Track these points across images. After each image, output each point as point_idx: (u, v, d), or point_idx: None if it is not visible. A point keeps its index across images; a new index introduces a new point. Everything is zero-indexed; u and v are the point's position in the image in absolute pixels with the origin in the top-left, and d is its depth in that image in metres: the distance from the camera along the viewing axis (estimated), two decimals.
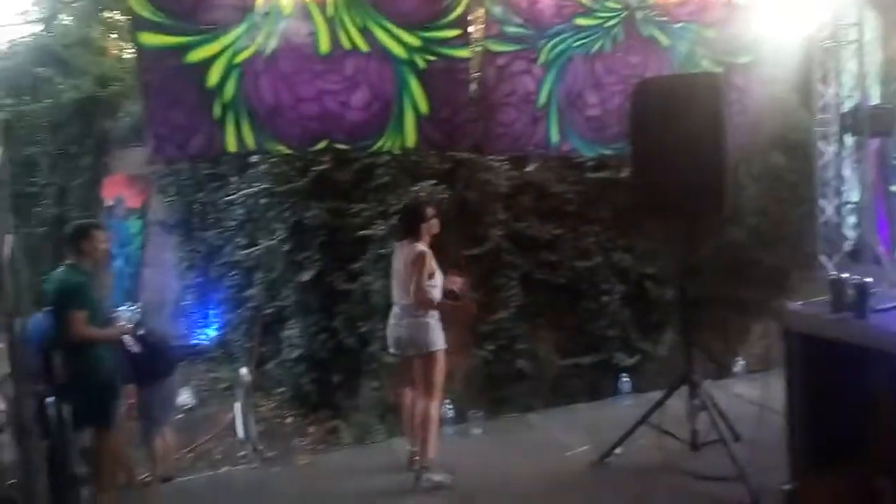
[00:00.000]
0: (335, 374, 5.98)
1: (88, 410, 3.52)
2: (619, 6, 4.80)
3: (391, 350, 3.97)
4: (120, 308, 4.23)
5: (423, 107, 4.10)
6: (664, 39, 5.03)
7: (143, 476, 4.38)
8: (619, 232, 5.62)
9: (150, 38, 3.37)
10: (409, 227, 3.85)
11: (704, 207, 3.64)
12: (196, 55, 3.42)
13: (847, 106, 5.39)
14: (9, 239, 2.89)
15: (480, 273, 5.27)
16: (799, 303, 3.22)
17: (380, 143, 4.08)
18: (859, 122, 5.31)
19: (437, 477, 3.70)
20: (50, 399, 3.34)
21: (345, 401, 5.93)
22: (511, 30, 4.40)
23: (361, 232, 5.51)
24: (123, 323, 3.98)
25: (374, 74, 3.93)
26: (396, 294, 3.84)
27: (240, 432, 5.36)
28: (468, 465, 3.94)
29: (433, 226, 3.86)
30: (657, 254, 5.53)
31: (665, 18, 5.00)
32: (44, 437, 3.12)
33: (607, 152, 4.93)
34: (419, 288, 3.64)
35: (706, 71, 4.64)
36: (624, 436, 3.85)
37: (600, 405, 4.98)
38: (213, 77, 3.47)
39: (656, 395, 3.99)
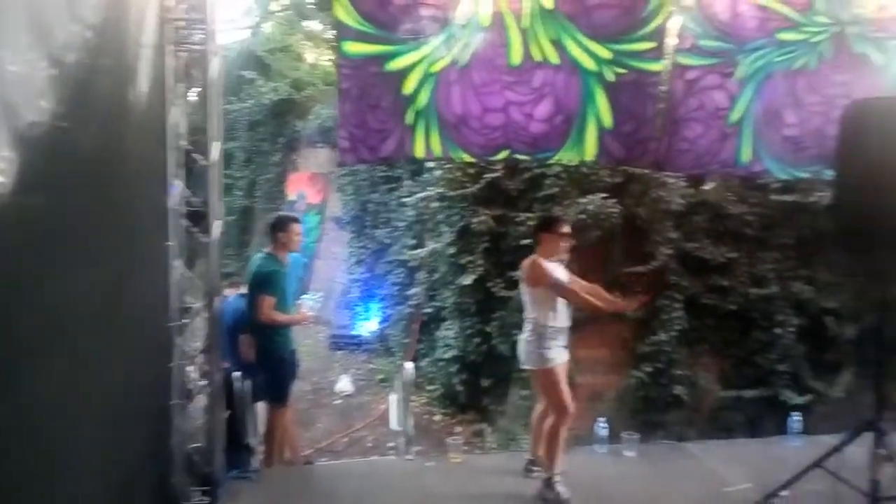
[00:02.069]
0: (485, 378, 6.09)
1: (267, 388, 3.86)
2: (829, 21, 4.53)
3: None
4: (303, 296, 4.56)
5: (607, 120, 4.09)
6: (879, 57, 4.67)
7: (307, 453, 4.68)
8: (801, 261, 5.25)
9: (354, 47, 3.63)
10: (535, 238, 3.81)
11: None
12: (396, 64, 3.65)
13: None
14: (218, 224, 3.26)
15: (644, 292, 5.16)
16: None
17: (559, 155, 4.12)
18: None
19: (559, 490, 3.64)
20: (235, 374, 3.69)
21: (492, 405, 6.02)
22: (707, 43, 4.28)
23: (525, 241, 5.57)
24: (306, 311, 4.23)
25: (560, 87, 3.97)
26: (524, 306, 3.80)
27: (394, 423, 5.59)
28: (620, 487, 3.86)
29: (559, 241, 3.74)
30: (841, 288, 5.11)
31: (882, 35, 4.64)
32: (227, 408, 3.43)
33: (802, 175, 4.64)
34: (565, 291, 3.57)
35: None
36: (794, 478, 3.59)
37: (764, 442, 4.66)
38: (410, 85, 3.68)
39: (828, 438, 3.68)
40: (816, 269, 5.21)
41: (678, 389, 5.20)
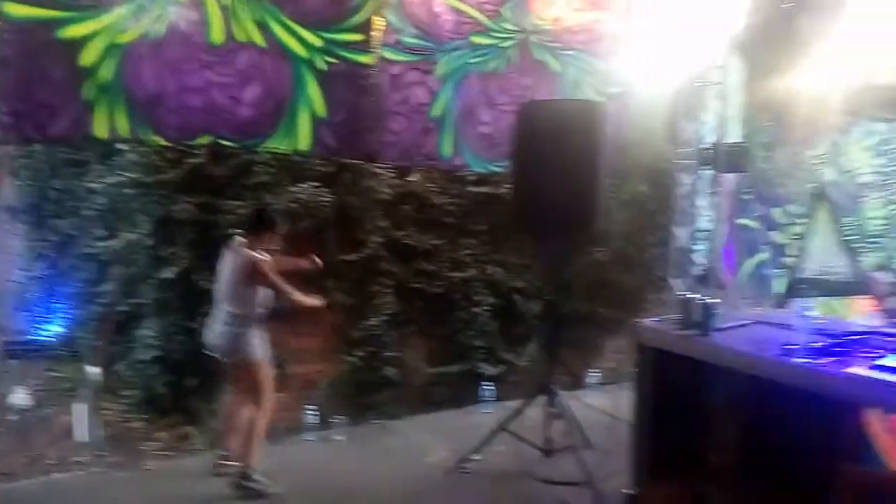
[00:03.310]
0: (191, 378, 5.70)
1: None
2: (515, 28, 4.97)
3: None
4: None
5: (321, 109, 4.05)
6: (555, 65, 5.27)
7: None
8: (494, 246, 5.80)
9: (19, 9, 3.12)
10: (249, 232, 3.74)
11: (576, 227, 3.85)
12: (71, 31, 3.20)
13: (707, 142, 5.89)
14: None
15: (356, 279, 5.27)
16: (650, 319, 3.48)
17: (270, 143, 3.98)
18: (717, 157, 5.81)
19: (257, 485, 3.62)
20: None
21: (199, 405, 5.67)
22: (408, 40, 4.44)
23: (234, 231, 5.32)
24: None
25: (269, 71, 3.83)
26: (220, 297, 3.70)
27: (80, 435, 4.99)
28: (327, 469, 3.92)
29: (274, 237, 3.73)
30: (527, 269, 5.76)
31: (557, 45, 5.24)
32: None
33: (495, 169, 5.08)
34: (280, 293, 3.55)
35: (588, 98, 4.91)
36: (482, 442, 3.98)
37: (463, 413, 5.10)
38: (89, 57, 3.25)
39: (516, 403, 4.15)
40: (507, 254, 5.79)
41: (389, 371, 5.40)
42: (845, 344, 2.89)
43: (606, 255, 6.13)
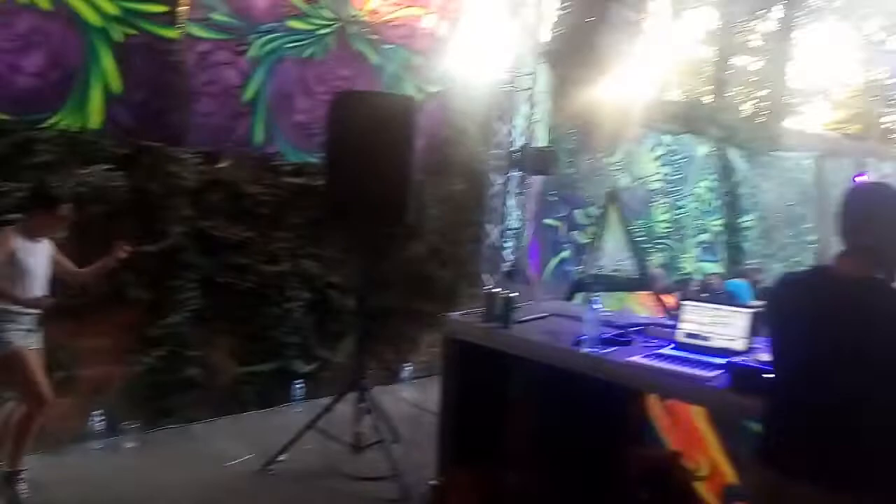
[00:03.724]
0: None
1: None
2: (333, 16, 4.87)
3: None
4: None
5: (116, 85, 3.68)
6: (374, 57, 5.23)
7: None
8: (309, 240, 5.64)
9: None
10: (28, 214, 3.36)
11: (386, 221, 3.84)
12: None
13: (517, 145, 6.20)
14: None
15: (155, 272, 4.86)
16: (458, 313, 3.56)
17: (57, 119, 3.56)
18: (525, 160, 6.13)
19: (19, 489, 3.28)
20: None
21: None
22: (219, 17, 4.19)
23: (12, 216, 4.70)
24: None
25: (56, 38, 3.41)
26: None
27: None
28: (115, 479, 3.58)
29: (54, 221, 3.36)
30: (342, 263, 5.68)
31: (377, 37, 5.21)
32: None
33: (311, 159, 4.94)
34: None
35: (400, 93, 4.93)
36: (289, 442, 3.85)
37: (271, 413, 4.92)
38: None
39: (326, 400, 4.07)
40: (323, 247, 5.66)
41: (192, 371, 5.06)
42: (628, 335, 3.14)
43: (423, 251, 6.21)
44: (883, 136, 22.59)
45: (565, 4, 6.25)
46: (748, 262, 10.54)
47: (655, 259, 9.39)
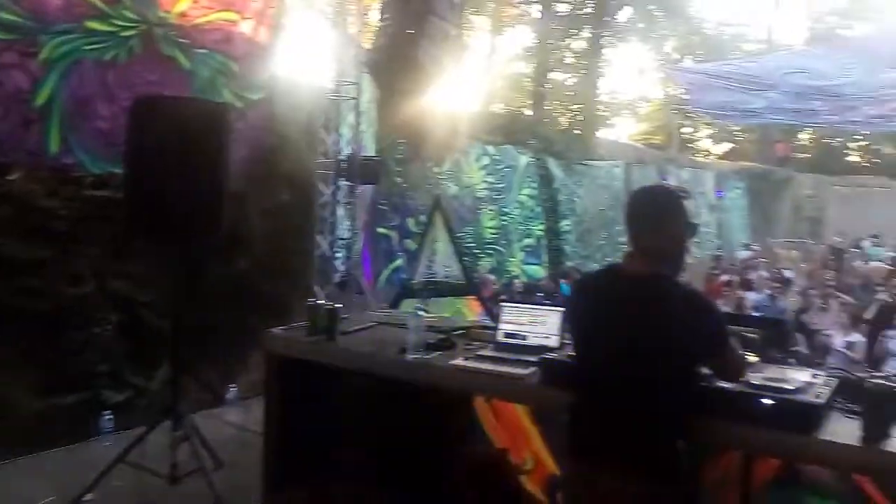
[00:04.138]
0: None
1: None
2: (137, 18, 4.55)
3: None
4: None
5: None
6: (185, 62, 4.94)
7: None
8: (117, 257, 5.19)
9: None
10: None
11: (198, 235, 3.61)
12: None
13: (344, 154, 6.14)
14: None
15: None
16: (280, 328, 3.43)
17: None
18: (352, 169, 6.08)
19: None
20: None
21: None
22: (5, 16, 3.76)
23: None
24: None
25: None
26: None
27: None
28: None
29: None
30: (157, 281, 5.28)
31: (187, 41, 4.92)
32: None
33: (115, 170, 4.55)
34: None
35: (213, 100, 4.70)
36: (96, 479, 3.50)
37: (77, 448, 4.45)
38: None
39: (141, 431, 3.76)
40: (132, 264, 5.23)
41: None
42: (452, 339, 3.19)
43: (248, 264, 5.95)
44: (682, 145, 25.23)
45: (385, 16, 6.30)
46: (568, 262, 11.27)
47: (484, 263, 9.75)
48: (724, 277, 10.83)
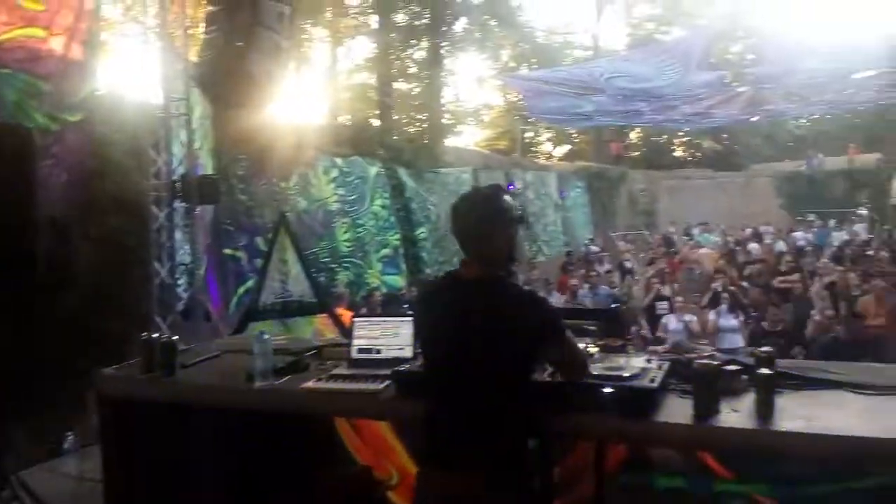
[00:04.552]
0: None
1: None
2: None
3: None
4: None
5: None
6: None
7: None
8: None
9: None
10: None
11: (11, 269, 3.24)
12: None
13: (177, 174, 5.76)
14: None
15: None
16: (113, 367, 3.14)
17: None
18: (188, 189, 5.72)
19: None
20: None
21: None
22: None
23: None
24: None
25: None
26: None
27: None
28: None
29: None
30: None
31: None
32: None
33: None
34: None
35: (15, 123, 4.26)
36: None
37: None
38: None
39: None
40: None
41: None
42: (304, 360, 3.06)
43: (77, 299, 5.44)
44: (525, 149, 26.35)
45: (211, 28, 6.00)
46: (427, 270, 11.37)
47: (342, 277, 9.59)
48: (580, 271, 11.42)
